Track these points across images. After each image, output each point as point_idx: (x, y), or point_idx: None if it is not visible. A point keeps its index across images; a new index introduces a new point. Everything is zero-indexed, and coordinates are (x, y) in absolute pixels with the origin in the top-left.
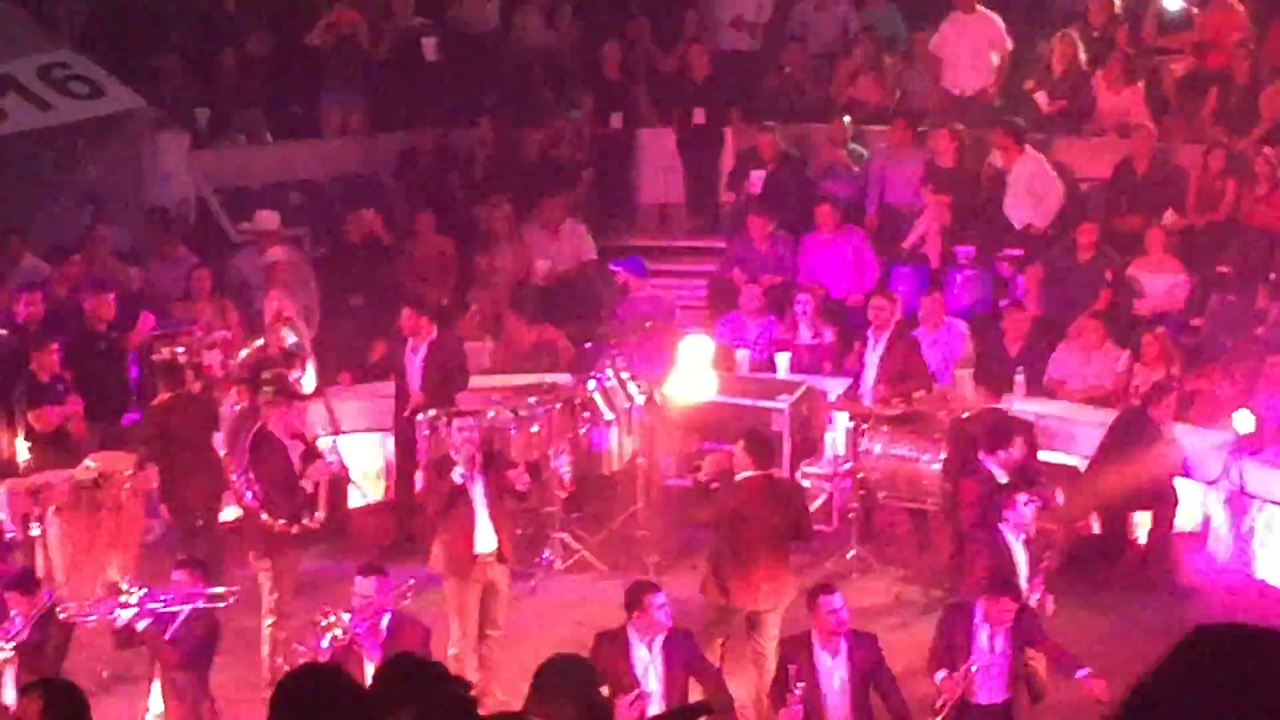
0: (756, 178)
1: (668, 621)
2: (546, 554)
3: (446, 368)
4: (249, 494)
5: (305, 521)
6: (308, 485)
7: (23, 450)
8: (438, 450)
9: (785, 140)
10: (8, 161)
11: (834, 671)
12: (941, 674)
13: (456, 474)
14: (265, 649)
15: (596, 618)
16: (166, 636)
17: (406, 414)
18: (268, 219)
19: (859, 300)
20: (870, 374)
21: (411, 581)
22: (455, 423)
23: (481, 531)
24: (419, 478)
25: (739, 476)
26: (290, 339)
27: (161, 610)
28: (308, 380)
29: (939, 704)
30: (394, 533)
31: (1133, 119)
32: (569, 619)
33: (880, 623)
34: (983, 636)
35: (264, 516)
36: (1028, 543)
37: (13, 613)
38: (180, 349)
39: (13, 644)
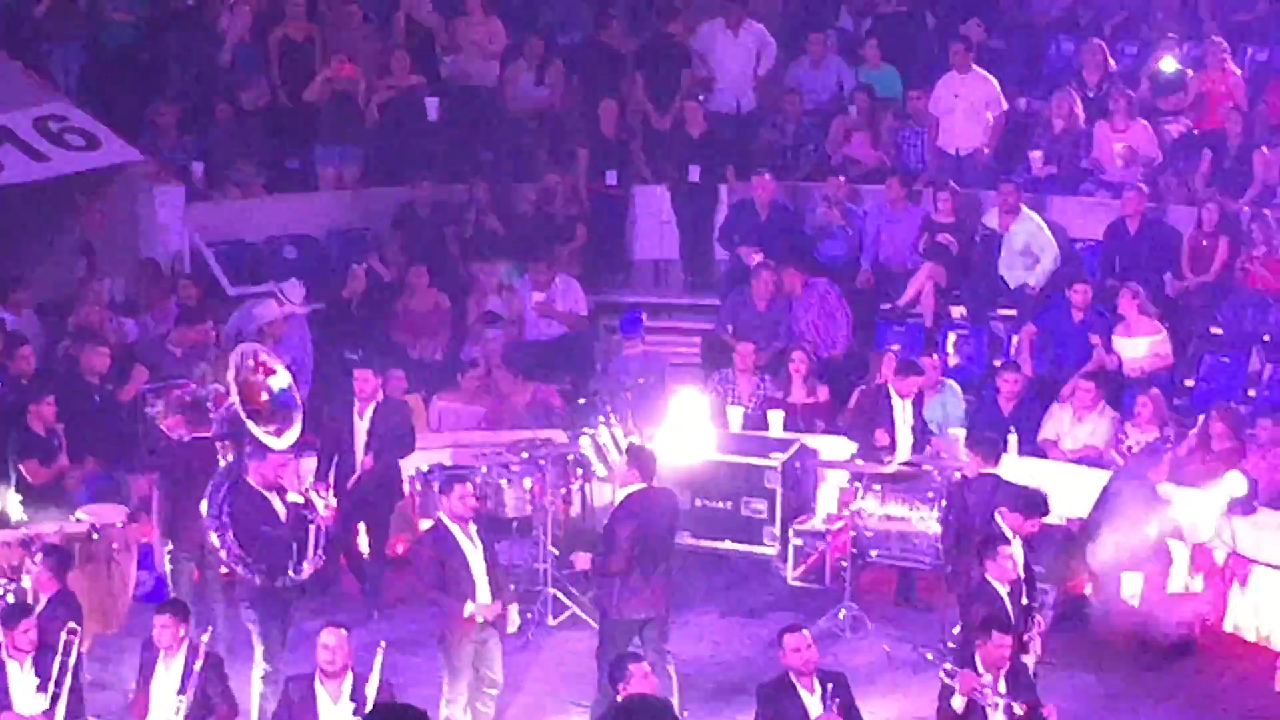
0: (748, 253)
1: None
2: (537, 609)
3: (395, 432)
4: (224, 549)
5: (291, 574)
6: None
7: (14, 504)
8: (428, 509)
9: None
10: (3, 213)
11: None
12: None
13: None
14: (254, 700)
15: (587, 673)
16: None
17: (352, 481)
18: (294, 291)
19: (841, 355)
20: (902, 436)
21: (383, 644)
22: (455, 488)
23: (480, 592)
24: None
25: (629, 490)
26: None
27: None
28: (290, 434)
29: None
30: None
31: (1143, 153)
32: (560, 674)
33: (874, 682)
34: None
35: (240, 571)
36: (1012, 595)
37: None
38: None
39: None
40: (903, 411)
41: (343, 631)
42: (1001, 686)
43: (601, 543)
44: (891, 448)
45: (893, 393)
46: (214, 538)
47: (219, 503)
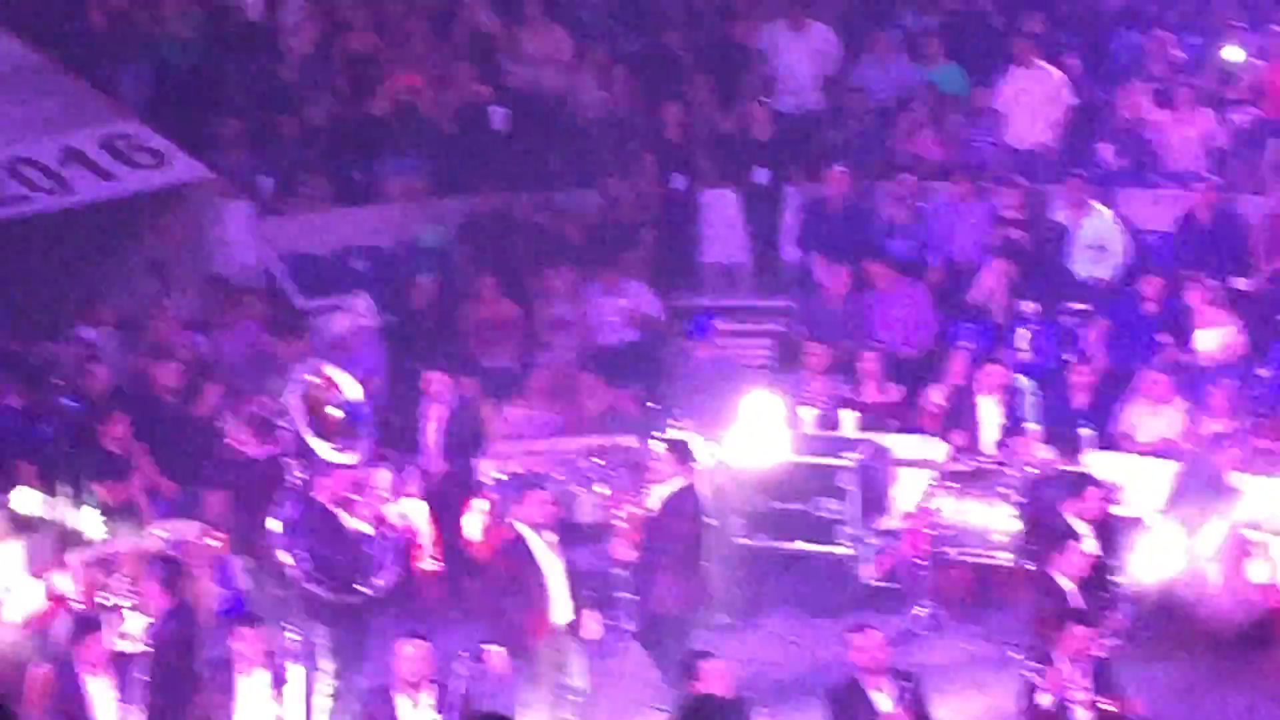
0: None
1: (729, 687)
2: (616, 615)
3: (466, 432)
4: (293, 564)
5: (359, 588)
6: (366, 550)
7: (91, 522)
8: (504, 516)
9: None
10: (74, 233)
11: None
12: None
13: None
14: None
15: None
16: None
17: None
18: (356, 303)
19: (917, 354)
20: (988, 433)
21: (463, 654)
22: (529, 495)
23: (557, 601)
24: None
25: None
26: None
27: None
28: (359, 449)
29: None
30: (443, 599)
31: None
32: (639, 679)
33: (953, 681)
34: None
35: (309, 587)
36: (1084, 587)
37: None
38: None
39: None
40: (987, 409)
41: (423, 642)
42: (1085, 682)
43: (655, 539)
44: (973, 447)
45: (977, 393)
46: (283, 554)
47: (287, 519)
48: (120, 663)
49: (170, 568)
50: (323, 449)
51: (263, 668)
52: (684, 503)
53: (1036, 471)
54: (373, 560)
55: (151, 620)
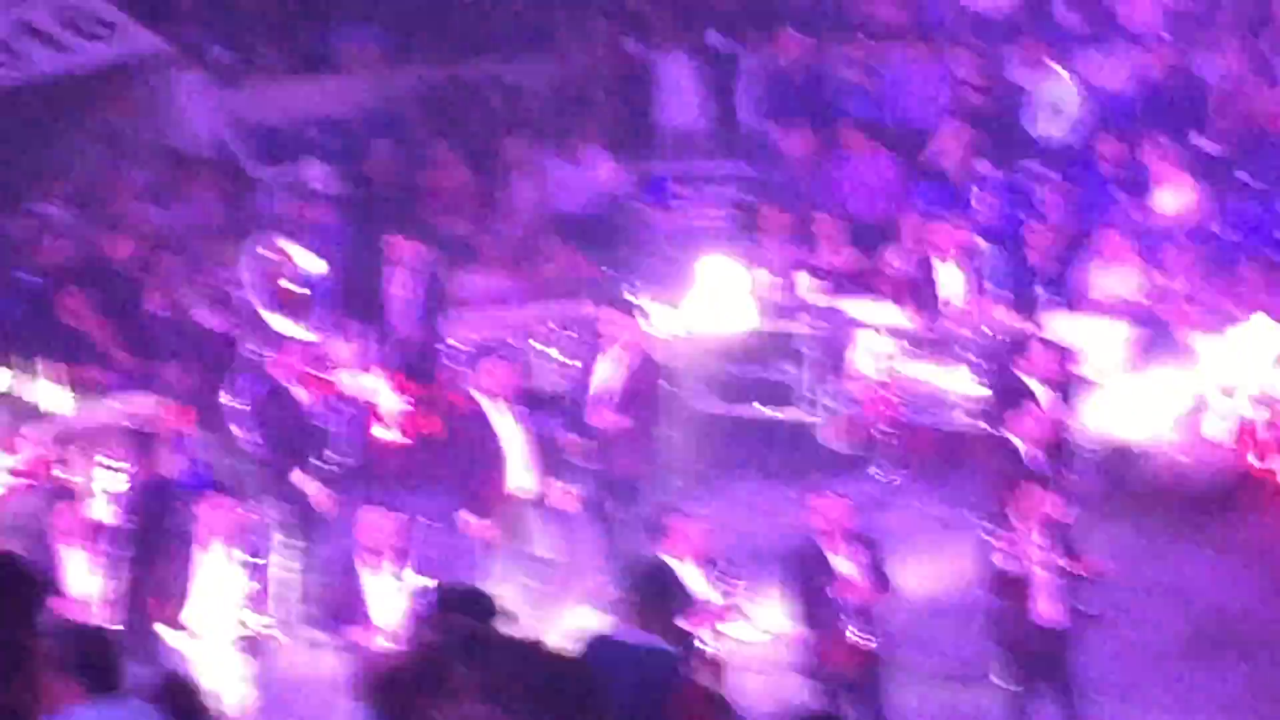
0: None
1: (699, 545)
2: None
3: (434, 295)
4: (248, 439)
5: (315, 463)
6: (323, 424)
7: (52, 397)
8: (459, 384)
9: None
10: (28, 106)
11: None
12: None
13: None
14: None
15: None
16: None
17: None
18: (310, 168)
19: (878, 219)
20: (947, 294)
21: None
22: (482, 363)
23: (513, 468)
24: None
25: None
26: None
27: None
28: (318, 320)
29: None
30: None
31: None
32: (598, 551)
33: (910, 543)
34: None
35: (264, 461)
36: (1039, 447)
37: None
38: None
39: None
40: (944, 271)
41: (384, 509)
42: (1039, 541)
43: (641, 404)
44: (932, 310)
45: (932, 257)
46: (237, 430)
47: (242, 394)
48: (95, 533)
49: (143, 439)
50: (279, 323)
51: (223, 540)
52: (634, 362)
53: (992, 334)
54: (329, 436)
55: (121, 491)
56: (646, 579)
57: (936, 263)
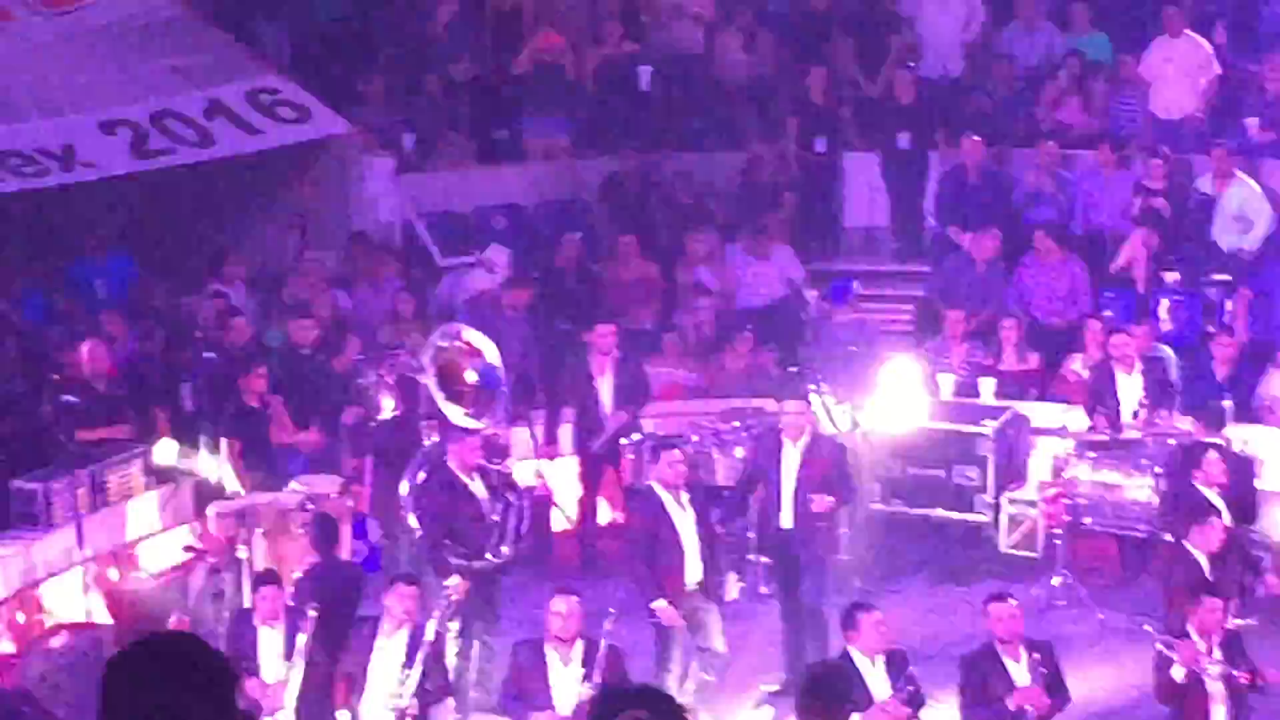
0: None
1: (889, 641)
2: (750, 578)
3: (637, 384)
4: (419, 529)
5: (489, 556)
6: (493, 518)
7: (229, 475)
8: (640, 476)
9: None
10: (216, 186)
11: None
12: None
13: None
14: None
15: None
16: None
17: (605, 437)
18: (497, 254)
19: (1063, 325)
20: (1128, 403)
21: (612, 611)
22: (664, 455)
23: (690, 561)
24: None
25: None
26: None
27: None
28: (496, 411)
29: None
30: (580, 558)
31: None
32: (775, 640)
33: (1087, 652)
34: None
35: (434, 551)
36: (1217, 560)
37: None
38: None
39: None
40: (1125, 380)
41: (574, 598)
42: (1218, 655)
43: (844, 486)
44: (1115, 418)
45: (1115, 366)
46: (411, 519)
47: (416, 485)
48: (288, 615)
49: (326, 525)
50: (455, 414)
51: (408, 628)
52: (826, 449)
53: (1176, 444)
54: (499, 528)
55: (304, 574)
56: (830, 678)
57: (1119, 372)
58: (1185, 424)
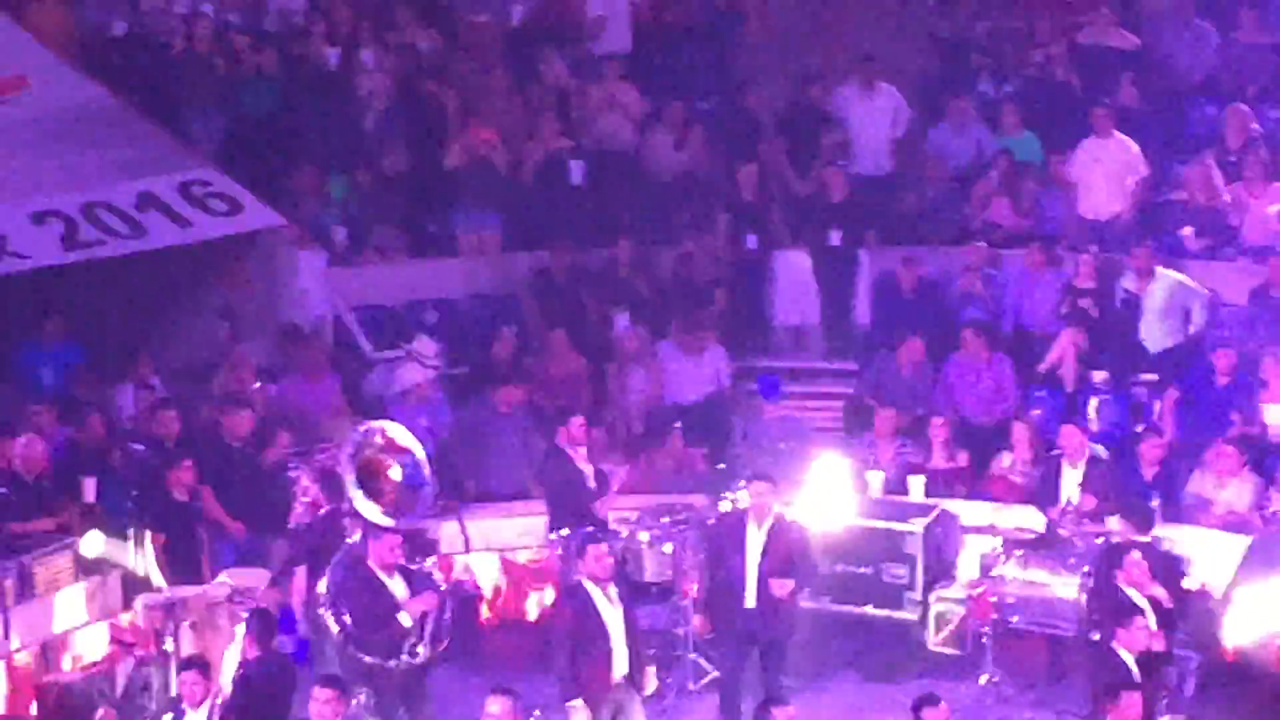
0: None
1: None
2: (678, 674)
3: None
4: (338, 629)
5: (406, 657)
6: (407, 620)
7: (155, 569)
8: (566, 572)
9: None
10: (146, 278)
11: None
12: None
13: (596, 597)
14: None
15: None
16: None
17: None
18: (424, 345)
19: (991, 423)
20: (1072, 498)
21: (537, 713)
22: (590, 549)
23: (618, 654)
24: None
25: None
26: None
27: None
28: (418, 509)
29: None
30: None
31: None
32: None
33: None
34: None
35: (350, 650)
36: (1142, 663)
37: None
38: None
39: None
40: (1071, 475)
41: (509, 699)
42: None
43: (805, 568)
44: (1052, 520)
45: (1062, 460)
46: (329, 617)
47: (334, 582)
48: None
49: (265, 618)
50: (371, 512)
51: None
52: (792, 531)
53: (1104, 544)
54: (416, 628)
55: (241, 667)
56: None
57: (1065, 466)
58: (1114, 523)
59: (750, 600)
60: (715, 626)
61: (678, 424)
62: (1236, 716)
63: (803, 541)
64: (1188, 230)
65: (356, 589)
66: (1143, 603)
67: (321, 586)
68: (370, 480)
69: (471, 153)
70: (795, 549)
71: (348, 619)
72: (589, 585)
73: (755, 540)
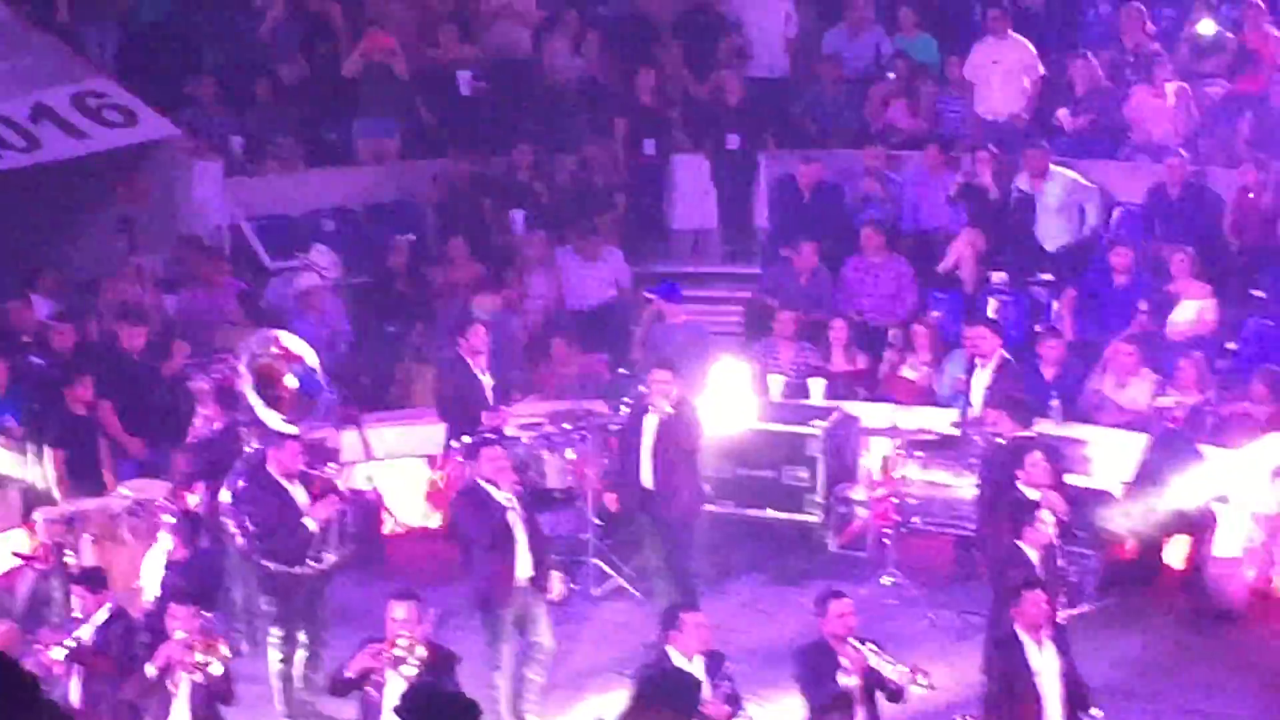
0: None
1: (708, 642)
2: (581, 580)
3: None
4: (239, 535)
5: (311, 563)
6: (312, 524)
7: (55, 487)
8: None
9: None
10: (42, 191)
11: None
12: None
13: (494, 497)
14: (275, 684)
15: (630, 643)
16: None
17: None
18: (319, 253)
19: (893, 325)
20: (977, 400)
21: (432, 610)
22: (483, 451)
23: (521, 557)
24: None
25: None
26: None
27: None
28: (317, 415)
29: None
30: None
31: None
32: (604, 645)
33: (916, 649)
34: (1032, 652)
35: (255, 558)
36: (1044, 560)
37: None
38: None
39: (74, 642)
40: (981, 376)
41: (413, 603)
42: (1049, 648)
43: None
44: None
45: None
46: (231, 525)
47: (237, 490)
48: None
49: (191, 519)
50: (272, 419)
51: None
52: (688, 411)
53: (1003, 441)
54: (321, 536)
55: (169, 567)
56: (659, 679)
57: (977, 366)
58: (1008, 423)
59: (646, 480)
60: (621, 505)
61: (560, 333)
62: (1132, 616)
63: (698, 429)
64: (1063, 111)
65: (259, 496)
66: (1043, 499)
67: (224, 495)
68: (268, 388)
69: (369, 60)
70: (695, 437)
71: (250, 526)
72: (486, 487)
73: (651, 425)
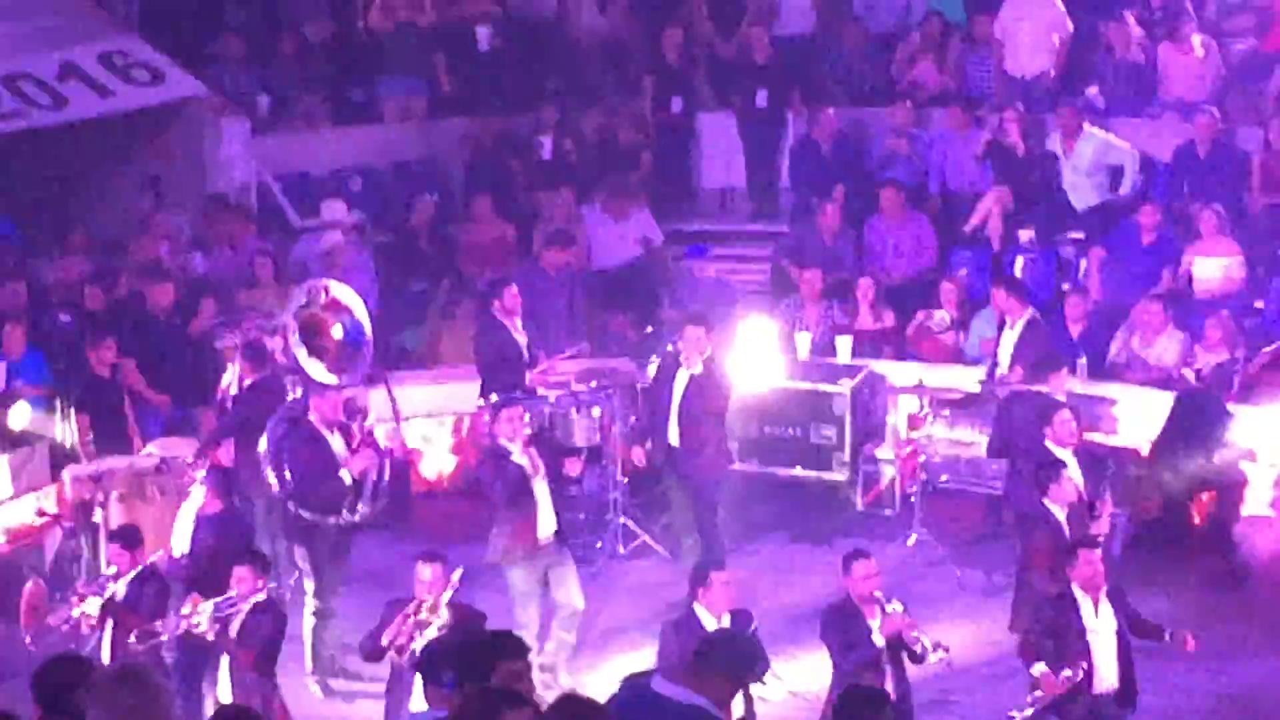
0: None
1: (735, 600)
2: (608, 539)
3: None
4: (279, 485)
5: (346, 514)
6: (348, 476)
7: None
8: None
9: (844, 123)
10: (69, 149)
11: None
12: (1041, 667)
13: (516, 456)
14: (307, 640)
15: (657, 602)
16: (235, 639)
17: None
18: (334, 209)
19: (917, 283)
20: (1005, 359)
21: (460, 568)
22: (503, 412)
23: (544, 515)
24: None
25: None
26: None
27: (228, 612)
28: (360, 368)
29: (1031, 699)
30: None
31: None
32: (631, 604)
33: (943, 608)
34: (1087, 611)
35: (291, 507)
36: (1070, 517)
37: (111, 568)
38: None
39: (108, 595)
40: (1009, 336)
41: (439, 564)
42: (1105, 608)
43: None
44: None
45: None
46: (270, 474)
47: (276, 439)
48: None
49: (224, 475)
50: (316, 370)
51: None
52: (718, 370)
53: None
54: (358, 488)
55: (199, 521)
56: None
57: (1006, 325)
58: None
59: (673, 438)
60: (650, 461)
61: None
62: (1160, 575)
63: (727, 387)
64: (1093, 89)
65: (299, 445)
66: (1070, 461)
67: (261, 445)
68: (313, 338)
69: (396, 18)
70: (720, 395)
71: (288, 475)
72: (508, 445)
73: (681, 382)
